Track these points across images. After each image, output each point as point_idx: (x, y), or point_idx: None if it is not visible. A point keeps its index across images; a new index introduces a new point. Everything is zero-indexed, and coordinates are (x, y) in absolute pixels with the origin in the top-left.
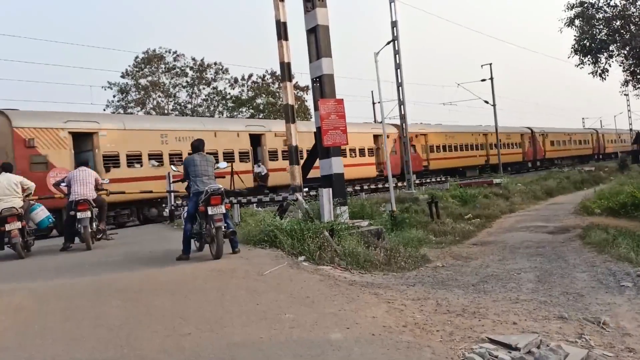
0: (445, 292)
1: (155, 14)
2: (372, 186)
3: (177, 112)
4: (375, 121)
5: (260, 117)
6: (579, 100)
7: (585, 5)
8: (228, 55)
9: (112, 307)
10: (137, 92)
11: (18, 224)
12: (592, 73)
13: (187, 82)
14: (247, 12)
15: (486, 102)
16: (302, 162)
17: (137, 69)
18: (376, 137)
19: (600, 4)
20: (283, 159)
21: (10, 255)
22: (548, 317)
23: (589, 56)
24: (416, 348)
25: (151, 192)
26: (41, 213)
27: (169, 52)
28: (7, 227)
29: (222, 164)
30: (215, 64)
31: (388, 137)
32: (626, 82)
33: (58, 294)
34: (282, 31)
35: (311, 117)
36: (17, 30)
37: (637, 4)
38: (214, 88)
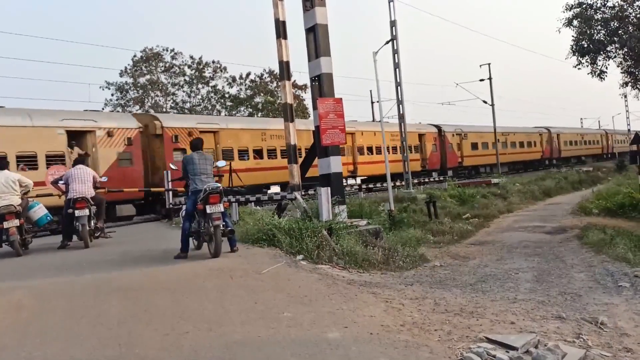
0: (443, 291)
1: (154, 13)
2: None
3: (175, 111)
4: (373, 120)
5: (259, 115)
6: (578, 101)
7: (584, 6)
8: (226, 54)
9: (112, 305)
10: (135, 91)
11: (16, 222)
12: (591, 74)
13: (185, 80)
14: (245, 11)
15: (484, 102)
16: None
17: (136, 68)
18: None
19: (598, 5)
20: None
21: (8, 253)
22: (546, 317)
23: (587, 57)
24: (414, 347)
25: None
26: (39, 211)
27: (167, 51)
28: (5, 224)
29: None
30: (213, 62)
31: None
32: (625, 84)
33: (57, 293)
34: (281, 30)
35: (309, 116)
36: (15, 28)
37: (634, 5)
38: (213, 87)
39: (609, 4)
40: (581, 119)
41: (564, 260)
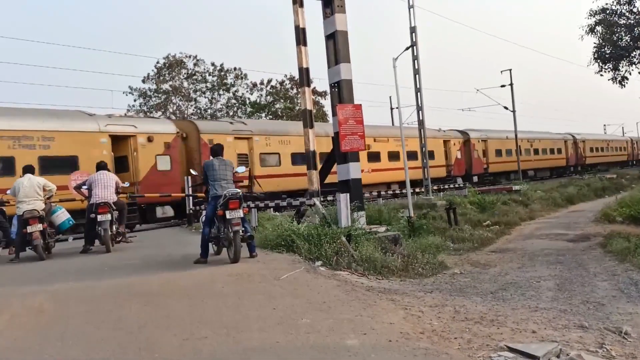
0: (463, 299)
1: (175, 21)
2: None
3: (197, 117)
4: (392, 125)
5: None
6: (601, 106)
7: (608, 12)
8: (247, 61)
9: (131, 310)
10: (157, 97)
11: (39, 226)
12: (612, 80)
13: (206, 87)
14: (267, 19)
15: (506, 108)
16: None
17: (158, 75)
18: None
19: (622, 11)
20: None
21: (31, 257)
22: (568, 326)
23: (609, 63)
24: (434, 355)
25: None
26: (62, 215)
27: (189, 58)
28: (29, 229)
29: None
30: (235, 69)
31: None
32: None
33: (79, 297)
34: (301, 37)
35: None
36: (38, 35)
37: None
38: (234, 93)
39: (634, 9)
40: (604, 125)
41: (587, 269)
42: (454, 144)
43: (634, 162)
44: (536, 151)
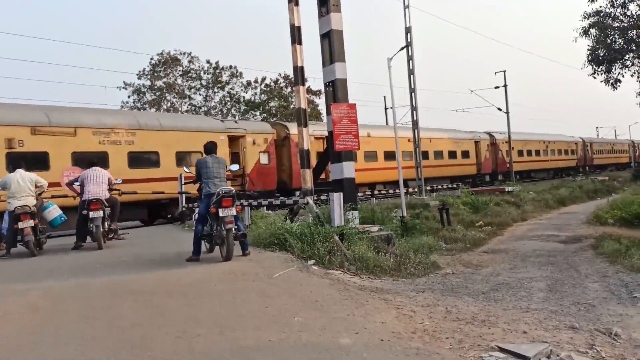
0: (455, 299)
1: (171, 19)
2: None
3: (191, 114)
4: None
5: (273, 120)
6: (597, 109)
7: (602, 14)
8: (245, 60)
9: (125, 308)
10: (152, 94)
11: (31, 222)
12: (605, 82)
13: (201, 84)
14: (266, 18)
15: (499, 109)
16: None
17: (153, 71)
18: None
19: (616, 13)
20: None
21: (22, 253)
22: (559, 327)
23: (602, 66)
24: (425, 355)
25: (163, 192)
26: (54, 211)
27: (184, 55)
28: (20, 225)
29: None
30: (230, 67)
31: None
32: None
33: (72, 294)
34: (296, 35)
35: (323, 121)
36: (32, 31)
37: None
38: (228, 91)
39: (628, 12)
40: (597, 127)
41: (578, 270)
42: (255, 143)
43: (586, 167)
44: (425, 154)
